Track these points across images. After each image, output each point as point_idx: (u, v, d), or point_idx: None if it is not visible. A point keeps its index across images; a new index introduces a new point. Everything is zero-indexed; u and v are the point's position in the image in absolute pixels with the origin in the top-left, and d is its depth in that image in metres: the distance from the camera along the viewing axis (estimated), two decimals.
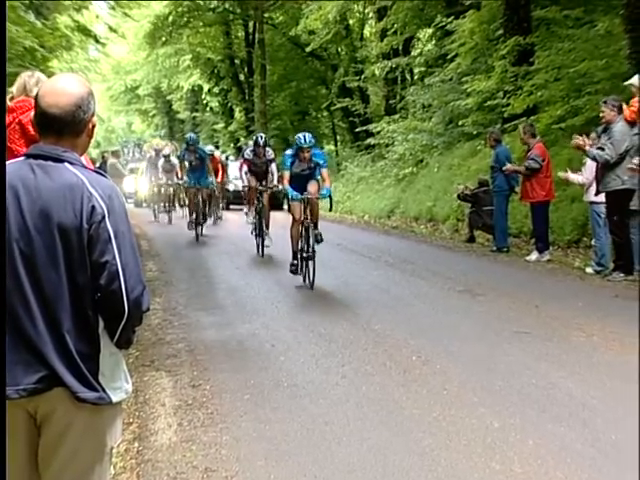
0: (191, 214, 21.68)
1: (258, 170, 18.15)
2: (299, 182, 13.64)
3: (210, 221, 25.14)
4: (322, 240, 13.54)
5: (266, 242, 17.17)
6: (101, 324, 3.19)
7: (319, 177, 13.89)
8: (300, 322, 10.44)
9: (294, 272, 13.37)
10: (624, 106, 12.97)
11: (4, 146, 3.05)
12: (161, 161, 27.43)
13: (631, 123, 12.74)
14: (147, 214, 29.29)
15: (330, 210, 15.58)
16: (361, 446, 5.85)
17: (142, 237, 22.48)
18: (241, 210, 26.31)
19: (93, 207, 3.10)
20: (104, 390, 3.17)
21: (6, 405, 3.09)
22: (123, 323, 3.17)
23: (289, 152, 14.22)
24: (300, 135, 13.86)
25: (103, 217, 3.10)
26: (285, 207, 22.24)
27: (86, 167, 3.26)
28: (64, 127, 3.24)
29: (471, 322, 10.15)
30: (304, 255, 13.16)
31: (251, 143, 26.53)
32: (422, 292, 12.45)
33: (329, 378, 7.73)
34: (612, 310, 10.64)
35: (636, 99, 13.24)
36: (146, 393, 7.43)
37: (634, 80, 13.99)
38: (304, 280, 13.05)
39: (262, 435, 6.15)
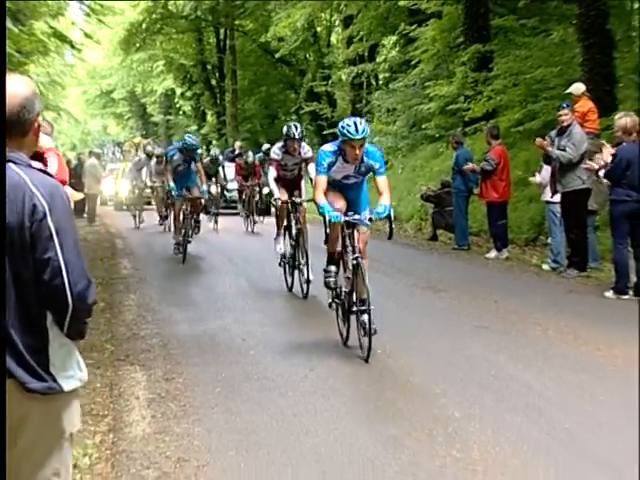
0: (178, 232, 16.59)
1: (288, 175, 12.58)
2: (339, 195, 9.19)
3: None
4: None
5: (309, 276, 11.67)
6: (50, 317, 3.18)
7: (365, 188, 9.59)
8: (270, 318, 10.43)
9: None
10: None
11: (4, 146, 3.02)
12: (153, 162, 23.55)
13: (565, 126, 12.99)
14: (126, 218, 26.64)
15: (389, 238, 8.97)
16: (328, 436, 5.87)
17: (117, 236, 22.38)
18: (235, 216, 24.96)
19: (34, 205, 3.08)
20: (55, 380, 3.17)
21: (6, 404, 3.08)
22: (69, 316, 3.16)
23: (329, 148, 8.98)
24: (348, 122, 8.55)
25: (45, 215, 3.08)
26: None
27: (32, 167, 3.24)
28: (11, 128, 3.21)
29: (433, 317, 10.20)
30: (355, 308, 8.40)
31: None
32: (387, 289, 12.45)
33: (297, 371, 7.74)
34: (567, 305, 10.73)
35: (578, 105, 13.46)
36: (121, 386, 7.41)
37: (573, 88, 14.22)
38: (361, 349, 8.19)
39: (233, 426, 6.16)
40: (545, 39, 21.97)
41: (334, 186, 8.99)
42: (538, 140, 13.47)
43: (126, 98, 58.78)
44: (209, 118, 50.83)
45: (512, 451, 5.46)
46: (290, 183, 12.55)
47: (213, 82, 48.14)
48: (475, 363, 7.80)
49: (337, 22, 37.18)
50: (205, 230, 20.00)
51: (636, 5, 22.89)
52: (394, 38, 31.11)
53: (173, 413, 6.53)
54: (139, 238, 21.50)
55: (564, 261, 13.45)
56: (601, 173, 11.55)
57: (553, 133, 13.22)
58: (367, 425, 6.13)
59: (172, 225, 18.79)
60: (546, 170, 13.70)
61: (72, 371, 3.26)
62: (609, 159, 11.19)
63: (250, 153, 24.49)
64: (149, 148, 26.28)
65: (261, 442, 5.80)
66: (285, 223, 12.58)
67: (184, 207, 16.78)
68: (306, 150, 12.32)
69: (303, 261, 11.82)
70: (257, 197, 23.77)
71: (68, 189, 6.97)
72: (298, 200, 12.26)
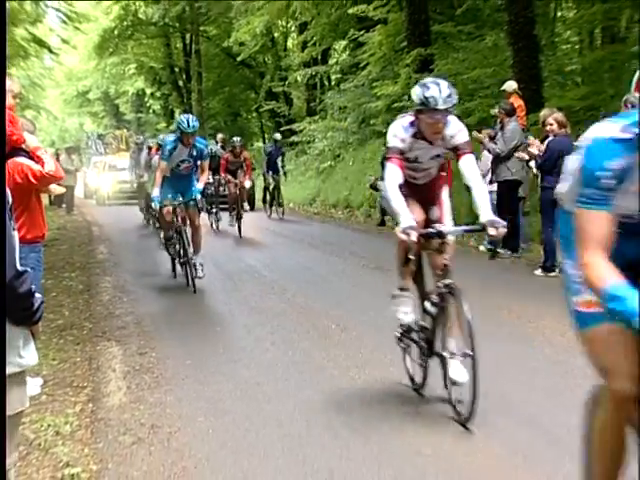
0: (178, 255, 11.73)
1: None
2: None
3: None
4: None
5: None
6: None
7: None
8: (234, 297, 10.41)
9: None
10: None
11: (4, 146, 2.91)
12: (144, 153, 19.12)
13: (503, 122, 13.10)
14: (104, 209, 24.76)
15: None
16: (288, 403, 5.86)
17: (94, 224, 22.18)
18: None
19: None
20: None
21: (6, 404, 3.00)
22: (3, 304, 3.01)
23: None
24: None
25: None
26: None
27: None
28: None
29: (382, 294, 10.15)
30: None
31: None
32: (340, 269, 12.50)
33: (260, 345, 7.74)
34: (501, 283, 10.83)
35: (509, 101, 13.56)
36: (99, 360, 7.36)
37: (506, 86, 14.33)
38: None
39: (201, 395, 6.13)
40: (479, 43, 22.08)
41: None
42: (474, 133, 13.57)
43: (100, 98, 58.14)
44: (177, 116, 50.44)
45: (451, 409, 5.49)
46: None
47: (180, 83, 47.80)
48: None
49: (293, 28, 37.05)
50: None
51: (559, 14, 23.21)
52: (344, 43, 31.03)
53: (147, 384, 6.49)
54: (115, 226, 21.30)
55: (499, 243, 13.57)
56: (532, 164, 11.68)
57: (498, 127, 13.32)
58: (323, 393, 6.12)
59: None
60: (484, 162, 13.79)
61: (12, 357, 3.11)
62: (539, 151, 11.32)
63: (236, 138, 19.44)
64: (139, 138, 22.99)
65: (227, 409, 5.78)
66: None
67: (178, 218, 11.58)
68: None
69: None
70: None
71: (53, 185, 6.88)
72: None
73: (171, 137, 11.39)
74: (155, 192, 10.96)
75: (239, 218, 17.63)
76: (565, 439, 4.86)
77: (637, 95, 9.98)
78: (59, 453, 5.00)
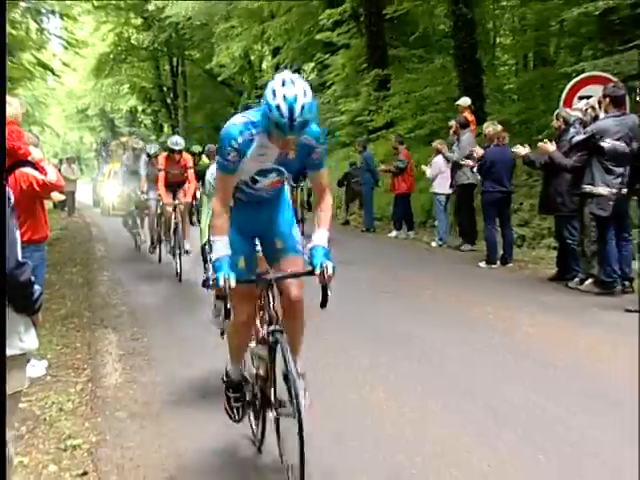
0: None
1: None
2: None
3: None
4: None
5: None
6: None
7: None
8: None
9: None
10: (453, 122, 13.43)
11: (4, 146, 2.86)
12: (143, 161, 13.20)
13: (457, 133, 13.17)
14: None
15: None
16: None
17: (92, 225, 21.98)
18: None
19: None
20: None
21: (6, 403, 2.97)
22: (8, 292, 3.03)
23: None
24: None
25: None
26: None
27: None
28: None
29: (345, 286, 10.13)
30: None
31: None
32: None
33: None
34: (450, 274, 10.88)
35: (464, 115, 13.63)
36: (97, 345, 7.32)
37: (461, 101, 14.38)
38: None
39: (188, 375, 6.11)
40: (430, 65, 22.22)
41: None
42: (435, 144, 13.91)
43: (98, 114, 57.61)
44: (166, 130, 50.15)
45: (407, 390, 5.52)
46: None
47: (168, 100, 47.54)
48: (380, 322, 7.83)
49: (267, 52, 36.99)
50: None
51: (498, 40, 23.41)
52: (312, 64, 31.00)
53: (140, 366, 6.47)
54: (111, 227, 21.10)
55: (448, 239, 13.69)
56: (475, 169, 11.79)
57: (454, 138, 13.35)
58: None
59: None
60: (434, 168, 13.89)
61: (14, 341, 3.11)
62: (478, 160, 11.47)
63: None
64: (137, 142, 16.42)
65: (211, 387, 5.76)
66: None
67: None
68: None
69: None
70: None
71: (54, 193, 6.83)
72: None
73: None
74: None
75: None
76: (503, 410, 4.92)
77: (566, 110, 10.08)
78: (62, 427, 5.00)
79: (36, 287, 3.18)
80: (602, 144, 8.34)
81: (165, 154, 11.46)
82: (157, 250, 12.80)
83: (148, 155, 12.95)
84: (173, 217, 11.41)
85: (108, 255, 14.42)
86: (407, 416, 4.95)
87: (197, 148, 17.95)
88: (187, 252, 10.94)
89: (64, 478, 4.27)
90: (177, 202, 11.42)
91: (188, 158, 11.62)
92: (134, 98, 50.57)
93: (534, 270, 10.64)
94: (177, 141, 11.24)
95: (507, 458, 4.22)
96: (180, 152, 11.22)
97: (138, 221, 14.75)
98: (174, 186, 11.53)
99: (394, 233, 15.67)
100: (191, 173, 11.44)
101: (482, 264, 11.22)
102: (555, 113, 9.84)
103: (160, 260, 12.59)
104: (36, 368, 6.01)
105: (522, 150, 9.81)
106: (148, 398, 5.56)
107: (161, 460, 4.40)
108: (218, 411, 5.16)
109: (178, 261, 11.10)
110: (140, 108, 52.01)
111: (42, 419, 5.14)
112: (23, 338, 3.18)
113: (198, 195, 11.89)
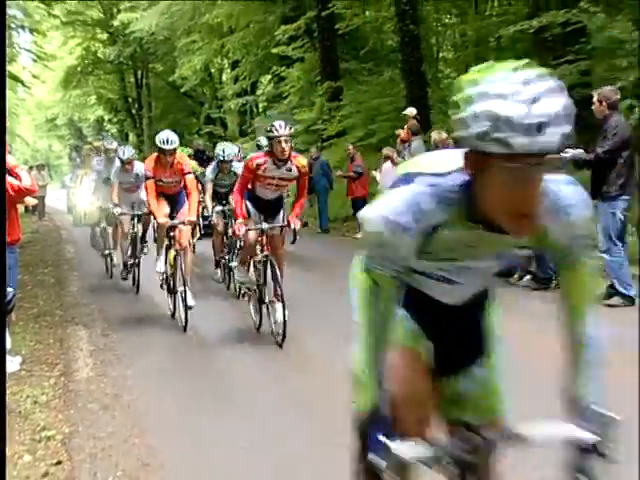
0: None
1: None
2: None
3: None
4: None
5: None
6: None
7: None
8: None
9: None
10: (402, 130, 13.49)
11: (4, 147, 2.78)
12: (117, 167, 9.88)
13: (404, 141, 13.19)
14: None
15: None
16: (215, 367, 5.83)
17: (62, 228, 21.64)
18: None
19: None
20: None
21: (6, 403, 2.91)
22: None
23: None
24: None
25: None
26: None
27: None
28: None
29: (302, 283, 10.17)
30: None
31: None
32: None
33: (207, 325, 7.63)
34: None
35: (408, 124, 13.70)
36: (69, 341, 7.22)
37: (407, 111, 14.48)
38: None
39: (156, 368, 6.08)
40: (379, 77, 22.37)
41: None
42: (384, 151, 14.02)
43: (66, 123, 56.82)
44: (131, 138, 49.56)
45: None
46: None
47: (133, 111, 47.05)
48: (336, 310, 7.79)
49: (227, 65, 36.84)
50: None
51: (441, 54, 23.66)
52: (269, 77, 30.96)
53: (110, 361, 6.40)
54: (80, 229, 20.78)
55: None
56: None
57: (402, 146, 13.35)
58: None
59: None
60: (385, 174, 13.94)
61: None
62: None
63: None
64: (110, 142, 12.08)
65: (178, 378, 5.74)
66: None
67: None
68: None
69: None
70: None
71: (28, 198, 6.72)
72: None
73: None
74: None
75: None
76: None
77: None
78: (37, 419, 4.92)
79: (9, 289, 3.10)
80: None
81: (154, 156, 7.98)
82: (131, 276, 10.07)
83: (121, 160, 9.59)
84: (171, 244, 7.90)
85: (77, 256, 14.29)
86: None
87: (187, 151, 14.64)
88: (190, 307, 7.41)
89: (39, 467, 4.19)
90: (177, 221, 7.88)
91: (185, 160, 8.25)
92: (101, 108, 50.12)
93: None
94: (168, 138, 7.74)
95: None
96: (173, 153, 7.82)
97: (110, 240, 11.40)
98: (169, 199, 8.29)
99: (359, 235, 15.64)
100: (190, 180, 7.96)
101: None
102: None
103: (138, 290, 9.75)
104: (12, 363, 5.94)
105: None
106: (118, 391, 5.50)
107: (133, 449, 4.35)
108: (187, 400, 5.15)
109: (179, 306, 7.64)
110: (107, 118, 51.46)
111: (17, 412, 5.03)
112: None
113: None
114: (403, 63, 18.92)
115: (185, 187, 8.03)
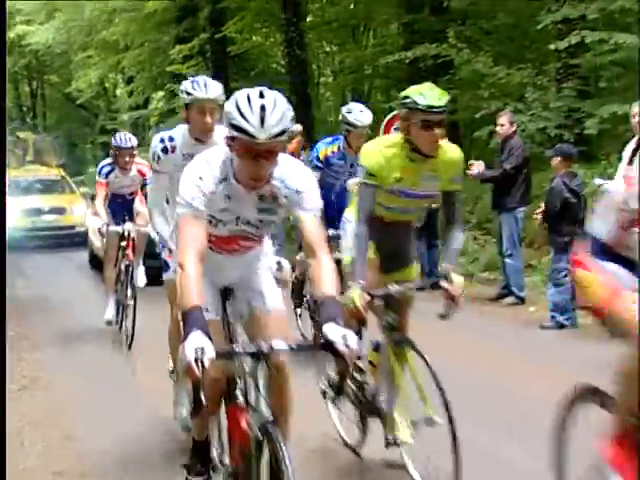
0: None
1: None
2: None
3: None
4: None
5: None
6: None
7: None
8: (87, 284, 10.20)
9: None
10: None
11: (4, 147, 2.75)
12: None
13: (292, 153, 13.49)
14: None
15: None
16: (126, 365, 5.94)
17: None
18: None
19: None
20: None
21: (6, 404, 2.96)
22: None
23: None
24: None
25: None
26: None
27: None
28: None
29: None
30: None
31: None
32: None
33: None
34: None
35: (295, 140, 14.00)
36: None
37: (294, 127, 14.76)
38: None
39: (70, 354, 6.17)
40: None
41: None
42: None
43: None
44: None
45: None
46: None
47: (28, 120, 45.42)
48: None
49: (121, 80, 36.26)
50: None
51: (322, 79, 24.39)
52: (162, 93, 30.72)
53: (26, 347, 6.39)
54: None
55: None
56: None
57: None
58: None
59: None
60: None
61: None
62: None
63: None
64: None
65: (85, 365, 5.84)
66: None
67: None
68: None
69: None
70: None
71: None
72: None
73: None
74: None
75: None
76: None
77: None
78: None
79: None
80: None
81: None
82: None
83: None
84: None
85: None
86: None
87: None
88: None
89: None
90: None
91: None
92: None
93: None
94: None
95: None
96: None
97: None
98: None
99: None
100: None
101: None
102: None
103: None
104: None
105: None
106: (36, 374, 5.56)
107: (56, 421, 4.46)
108: (97, 381, 5.24)
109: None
110: None
111: None
112: None
113: None
114: (290, 85, 19.36)
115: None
